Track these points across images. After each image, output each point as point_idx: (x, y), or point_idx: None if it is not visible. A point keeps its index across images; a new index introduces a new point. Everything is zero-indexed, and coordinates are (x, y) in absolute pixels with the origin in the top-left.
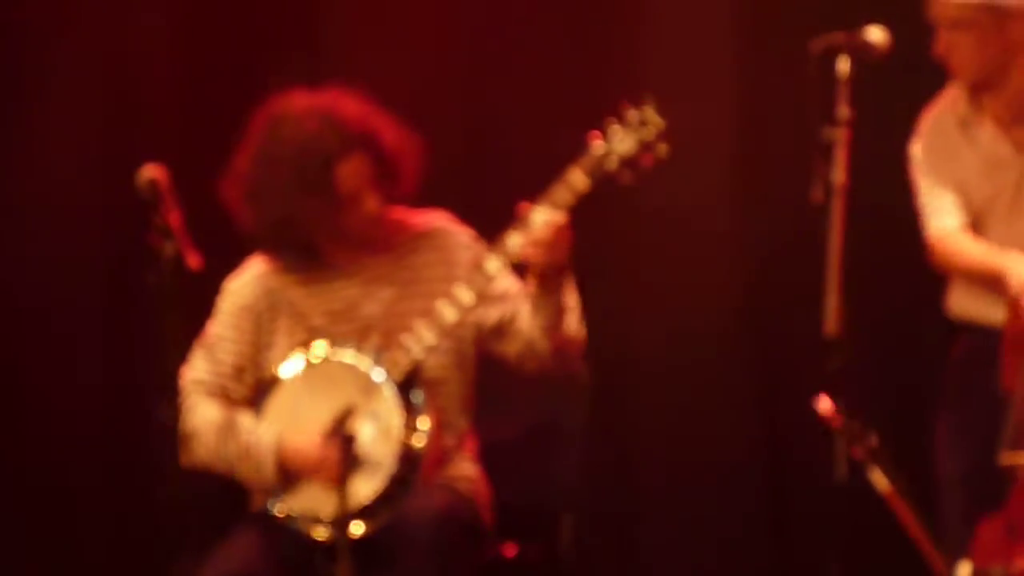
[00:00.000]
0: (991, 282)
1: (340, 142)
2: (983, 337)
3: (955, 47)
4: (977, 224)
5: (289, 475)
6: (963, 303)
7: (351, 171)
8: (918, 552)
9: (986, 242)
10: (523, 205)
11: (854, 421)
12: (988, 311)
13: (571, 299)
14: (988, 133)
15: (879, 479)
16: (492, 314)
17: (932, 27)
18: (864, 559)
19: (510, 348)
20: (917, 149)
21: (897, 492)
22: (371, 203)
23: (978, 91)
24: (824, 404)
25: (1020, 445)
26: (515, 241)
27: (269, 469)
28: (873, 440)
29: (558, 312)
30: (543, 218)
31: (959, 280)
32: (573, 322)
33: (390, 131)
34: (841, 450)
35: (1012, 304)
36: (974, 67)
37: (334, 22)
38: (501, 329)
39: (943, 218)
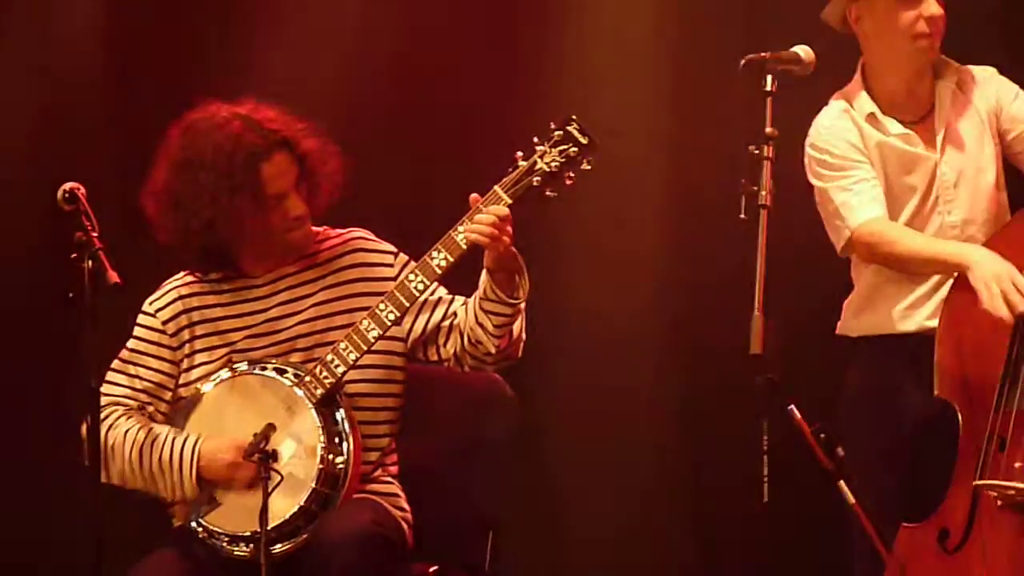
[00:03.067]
0: (935, 269)
1: (264, 142)
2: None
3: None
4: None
5: (209, 489)
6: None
7: (276, 171)
8: None
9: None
10: (473, 197)
11: (822, 432)
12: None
13: (521, 302)
14: (901, 133)
15: (843, 490)
16: (421, 322)
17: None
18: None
19: (446, 351)
20: (827, 147)
21: (860, 503)
22: (296, 205)
23: (927, 65)
24: (796, 414)
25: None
26: (459, 234)
27: (189, 483)
28: (840, 452)
29: (512, 315)
30: (491, 210)
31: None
32: (519, 325)
33: (311, 137)
34: (764, 470)
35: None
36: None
37: (259, 40)
38: (437, 332)
39: (867, 209)
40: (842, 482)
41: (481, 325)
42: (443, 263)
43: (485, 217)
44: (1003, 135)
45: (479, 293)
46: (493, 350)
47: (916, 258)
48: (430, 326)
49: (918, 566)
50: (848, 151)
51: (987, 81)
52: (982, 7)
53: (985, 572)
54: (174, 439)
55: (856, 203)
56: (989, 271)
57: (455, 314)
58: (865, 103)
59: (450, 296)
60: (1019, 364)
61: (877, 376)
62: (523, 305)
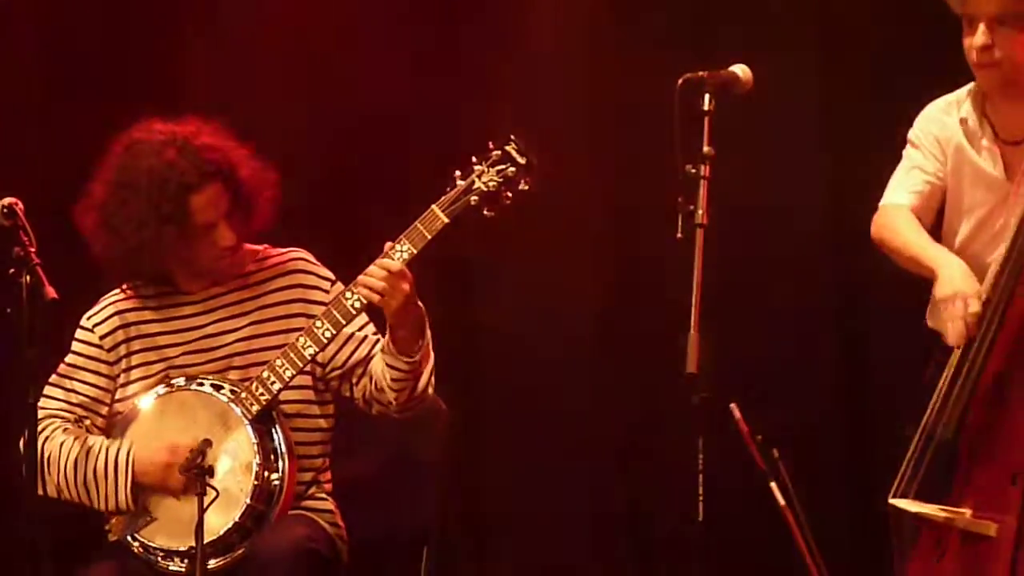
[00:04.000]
0: (918, 269)
1: (197, 173)
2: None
3: (998, 42)
4: (952, 219)
5: (144, 499)
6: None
7: (206, 202)
8: None
9: (957, 244)
10: (388, 245)
11: (759, 437)
12: None
13: (427, 358)
14: (985, 143)
15: (776, 492)
16: (343, 354)
17: (965, 22)
18: None
19: (357, 390)
20: (914, 131)
21: (791, 505)
22: (225, 235)
23: (1001, 96)
24: (736, 411)
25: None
26: (362, 286)
27: (124, 489)
28: (775, 455)
29: (411, 371)
30: (382, 264)
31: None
32: (424, 380)
33: (247, 164)
34: (699, 488)
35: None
36: (1013, 64)
37: (197, 57)
38: (351, 371)
39: (900, 194)
40: (773, 484)
41: (384, 376)
42: (362, 294)
43: (375, 271)
44: None
45: (382, 345)
46: (393, 402)
47: (902, 252)
48: (350, 361)
49: None
50: (925, 140)
51: None
52: None
53: None
54: (108, 447)
55: (897, 183)
56: (949, 287)
57: (372, 357)
58: (966, 107)
59: (376, 337)
60: (943, 384)
61: None
62: (422, 362)
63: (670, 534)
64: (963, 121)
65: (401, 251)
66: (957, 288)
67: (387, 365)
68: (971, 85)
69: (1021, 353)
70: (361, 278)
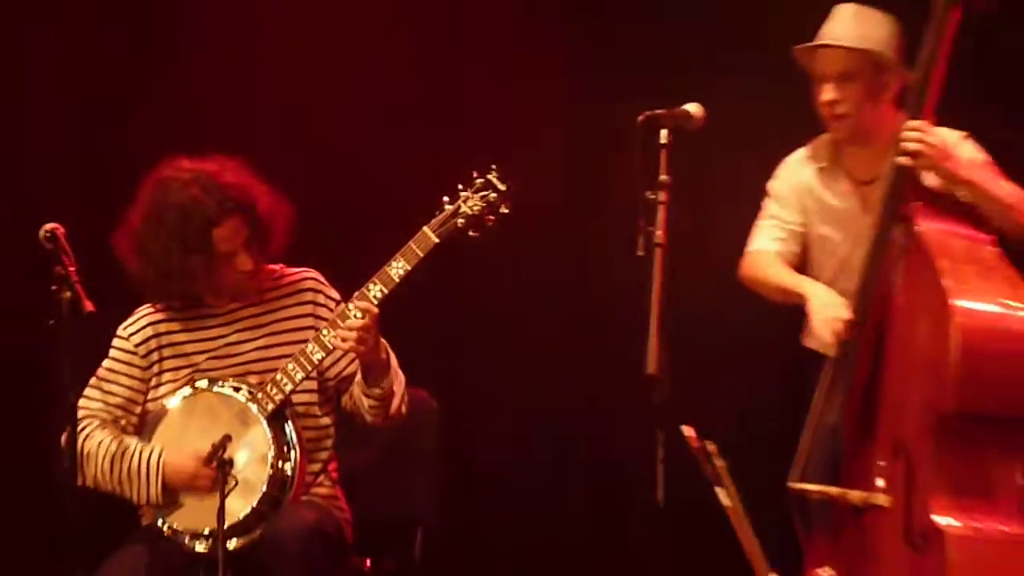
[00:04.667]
0: (790, 299)
1: (219, 207)
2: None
3: (843, 98)
4: (820, 258)
5: (172, 493)
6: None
7: (227, 234)
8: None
9: (824, 280)
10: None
11: (706, 444)
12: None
13: (396, 383)
14: (842, 186)
15: (723, 495)
16: (339, 366)
17: (815, 80)
18: (680, 568)
19: (345, 401)
20: (772, 184)
21: (736, 507)
22: (245, 261)
23: (851, 143)
24: (688, 431)
25: (809, 475)
26: (393, 269)
27: (155, 488)
28: (720, 461)
29: (381, 399)
30: (354, 315)
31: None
32: (395, 405)
33: (265, 199)
34: (659, 475)
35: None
36: (858, 116)
37: (214, 90)
38: (344, 381)
39: (763, 241)
40: (718, 488)
41: (361, 400)
42: (379, 294)
43: (344, 332)
44: None
45: (357, 378)
46: (369, 421)
47: (770, 285)
48: (343, 373)
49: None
50: (783, 190)
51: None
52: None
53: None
54: (141, 451)
55: (759, 232)
56: (819, 303)
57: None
58: (823, 155)
59: None
60: (825, 380)
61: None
62: (391, 391)
63: (635, 517)
64: (820, 169)
65: (397, 268)
66: (827, 302)
67: (361, 391)
68: (826, 135)
69: (886, 342)
70: (337, 330)
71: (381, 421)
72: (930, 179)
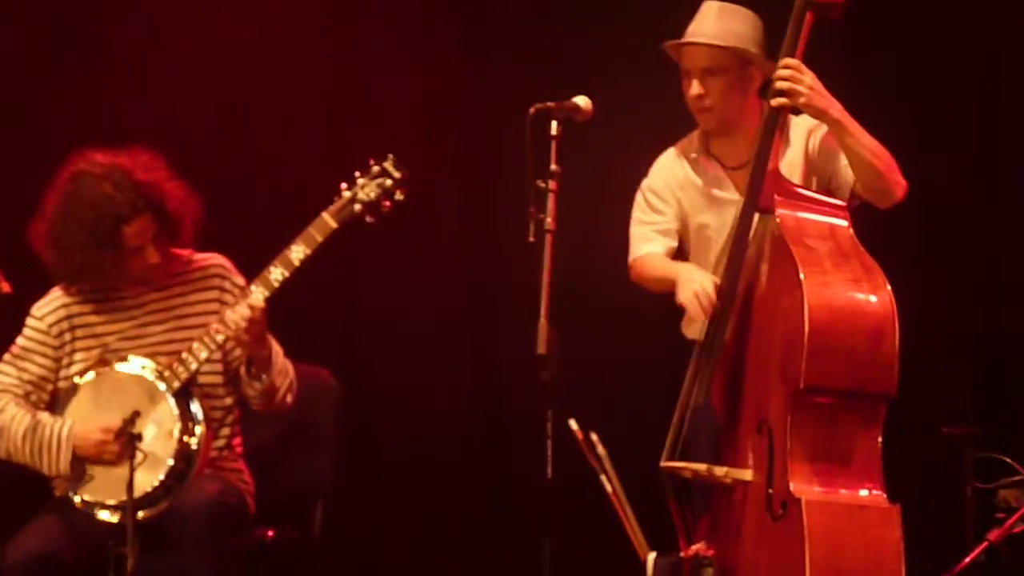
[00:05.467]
0: (665, 286)
1: (130, 205)
2: None
3: (709, 91)
4: (698, 249)
5: (82, 465)
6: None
7: (137, 230)
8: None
9: (708, 264)
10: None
11: (589, 435)
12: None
13: (279, 377)
14: (714, 173)
15: (604, 481)
16: (237, 350)
17: (682, 75)
18: (568, 537)
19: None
20: (647, 182)
21: (616, 492)
22: (152, 255)
23: (719, 134)
24: (573, 424)
25: (692, 456)
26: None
27: (65, 460)
28: (601, 449)
29: (262, 392)
30: (241, 312)
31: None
32: (281, 395)
33: (175, 193)
34: (548, 451)
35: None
36: (724, 108)
37: (130, 79)
38: (242, 364)
39: (645, 246)
40: (603, 476)
41: (247, 388)
42: (279, 277)
43: (234, 319)
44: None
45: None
46: (253, 407)
47: (651, 277)
48: (241, 358)
49: None
50: (658, 187)
51: (796, 127)
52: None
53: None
54: (52, 424)
55: (639, 238)
56: (686, 280)
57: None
58: (695, 147)
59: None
60: (688, 372)
61: None
62: (274, 384)
63: (524, 491)
64: (692, 160)
65: (297, 252)
66: (693, 278)
67: (245, 383)
68: (696, 130)
69: (749, 326)
70: (227, 317)
71: (264, 409)
72: (798, 132)
